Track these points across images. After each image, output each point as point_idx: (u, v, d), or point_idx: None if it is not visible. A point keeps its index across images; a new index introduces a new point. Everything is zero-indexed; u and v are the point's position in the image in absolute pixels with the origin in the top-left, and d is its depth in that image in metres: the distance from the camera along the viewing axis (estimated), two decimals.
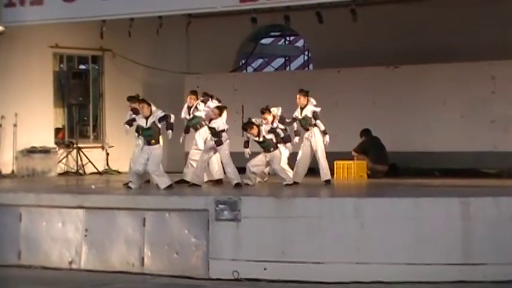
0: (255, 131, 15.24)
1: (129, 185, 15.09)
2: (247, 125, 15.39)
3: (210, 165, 16.00)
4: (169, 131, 14.85)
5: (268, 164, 15.57)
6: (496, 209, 12.04)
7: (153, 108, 14.87)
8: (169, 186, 14.79)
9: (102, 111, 20.95)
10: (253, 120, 15.41)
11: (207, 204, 12.93)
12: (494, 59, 17.48)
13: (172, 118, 14.92)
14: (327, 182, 15.62)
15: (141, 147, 15.21)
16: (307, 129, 15.58)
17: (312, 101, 15.52)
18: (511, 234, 11.91)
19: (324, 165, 15.62)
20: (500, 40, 18.03)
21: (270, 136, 15.30)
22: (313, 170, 16.04)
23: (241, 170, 15.56)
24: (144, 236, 13.30)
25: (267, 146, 15.35)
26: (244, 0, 14.93)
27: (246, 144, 15.40)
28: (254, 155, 15.49)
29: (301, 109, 15.56)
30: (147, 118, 14.81)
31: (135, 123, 15.15)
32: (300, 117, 15.57)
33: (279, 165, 15.43)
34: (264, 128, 15.31)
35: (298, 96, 15.54)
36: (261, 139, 15.31)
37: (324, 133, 15.37)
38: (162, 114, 14.79)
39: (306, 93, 15.49)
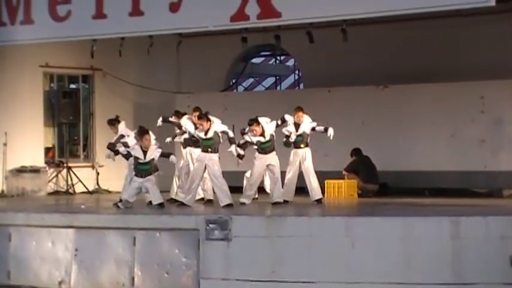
0: (259, 128, 15.27)
1: (119, 204, 15.11)
2: (252, 121, 15.45)
3: (204, 184, 15.99)
4: (233, 146, 15.19)
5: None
6: (486, 228, 12.05)
7: (215, 120, 15.24)
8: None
9: (93, 131, 20.92)
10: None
11: (197, 224, 12.91)
12: (483, 79, 17.57)
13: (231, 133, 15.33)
14: (318, 201, 15.64)
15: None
16: (299, 147, 15.65)
17: (308, 117, 15.66)
18: (501, 253, 11.92)
19: (315, 184, 15.66)
20: (489, 60, 18.12)
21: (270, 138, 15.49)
22: (302, 189, 16.06)
23: (232, 190, 15.59)
24: (134, 255, 13.26)
25: (267, 147, 15.37)
26: (235, 20, 14.97)
27: (243, 145, 15.44)
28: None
29: (298, 126, 15.65)
30: (207, 131, 15.08)
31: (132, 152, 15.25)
32: (296, 133, 15.66)
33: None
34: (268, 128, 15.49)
35: (299, 113, 15.64)
36: (268, 138, 15.37)
37: (326, 129, 15.62)
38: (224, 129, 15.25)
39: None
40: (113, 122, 16.27)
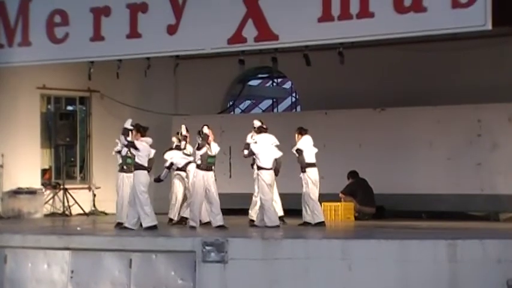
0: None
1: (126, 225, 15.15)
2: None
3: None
4: None
5: None
6: (482, 251, 12.02)
7: None
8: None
9: (90, 152, 20.92)
10: None
11: (194, 246, 12.88)
12: (480, 102, 17.60)
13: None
14: (320, 224, 15.60)
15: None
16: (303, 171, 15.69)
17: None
18: (497, 277, 11.89)
19: (317, 206, 15.64)
20: (486, 83, 18.18)
21: None
22: (299, 211, 16.06)
23: (227, 212, 15.58)
24: (130, 277, 13.22)
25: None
26: (232, 42, 15.03)
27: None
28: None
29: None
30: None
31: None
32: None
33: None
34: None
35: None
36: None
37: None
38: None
39: None
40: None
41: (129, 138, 15.38)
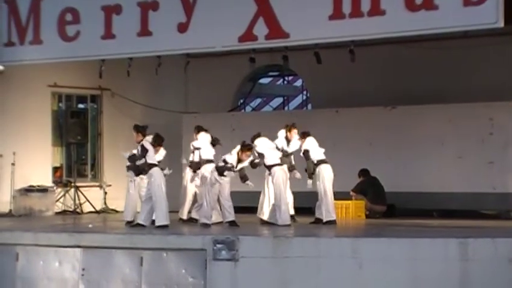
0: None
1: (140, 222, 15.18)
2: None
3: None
4: None
5: None
6: (494, 250, 11.99)
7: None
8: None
9: (100, 150, 20.95)
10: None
11: (204, 244, 12.89)
12: (492, 100, 17.55)
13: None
14: (331, 222, 15.59)
15: None
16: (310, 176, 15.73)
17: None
18: (509, 275, 11.86)
19: (330, 204, 15.63)
20: (499, 81, 18.13)
21: None
22: (310, 209, 16.05)
23: (238, 210, 15.57)
24: (141, 275, 13.23)
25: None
26: (243, 40, 15.02)
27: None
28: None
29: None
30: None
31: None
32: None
33: None
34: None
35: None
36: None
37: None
38: None
39: None
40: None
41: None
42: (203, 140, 16.29)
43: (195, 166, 16.09)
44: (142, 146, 15.20)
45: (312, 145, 15.86)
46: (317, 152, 15.82)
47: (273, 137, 16.16)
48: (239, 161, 15.17)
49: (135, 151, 15.43)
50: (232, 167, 15.15)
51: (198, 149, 16.14)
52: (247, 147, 15.20)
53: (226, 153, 15.45)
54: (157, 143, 15.55)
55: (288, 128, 15.97)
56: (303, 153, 15.79)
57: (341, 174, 16.32)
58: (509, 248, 11.99)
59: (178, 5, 15.48)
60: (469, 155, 17.79)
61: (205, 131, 16.45)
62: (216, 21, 15.16)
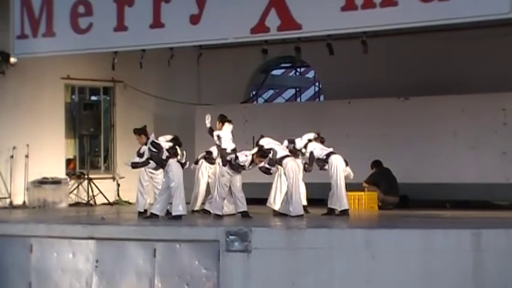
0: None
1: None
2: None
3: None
4: None
5: None
6: (507, 241, 11.98)
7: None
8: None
9: (113, 142, 21.01)
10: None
11: (217, 235, 12.92)
12: (505, 90, 17.49)
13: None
14: (344, 212, 15.60)
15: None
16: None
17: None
18: None
19: (341, 194, 15.64)
20: (511, 72, 18.04)
21: None
22: (322, 200, 16.06)
23: (251, 201, 15.60)
24: (154, 267, 13.28)
25: None
26: (255, 32, 15.02)
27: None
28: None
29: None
30: None
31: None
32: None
33: None
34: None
35: None
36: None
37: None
38: None
39: None
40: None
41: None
42: (227, 131, 16.26)
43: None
44: (154, 144, 15.24)
45: (315, 147, 15.89)
46: (321, 150, 15.85)
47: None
48: (252, 161, 15.24)
49: (137, 159, 15.47)
50: (244, 166, 15.22)
51: (217, 138, 16.13)
52: (262, 155, 15.22)
53: (239, 144, 15.46)
54: (176, 145, 15.64)
55: (317, 138, 15.94)
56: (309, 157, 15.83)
57: (354, 165, 16.30)
58: None
59: None
60: (482, 145, 17.75)
61: (229, 121, 16.44)
62: (228, 13, 15.16)
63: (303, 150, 15.87)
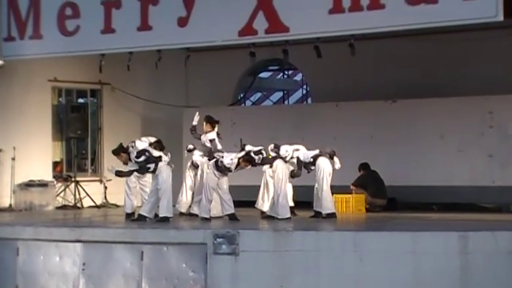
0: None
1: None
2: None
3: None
4: None
5: None
6: (494, 243, 12.01)
7: None
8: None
9: (101, 145, 20.94)
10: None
11: (205, 238, 12.91)
12: (491, 93, 17.55)
13: None
14: (330, 215, 15.60)
15: None
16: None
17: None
18: (509, 268, 11.88)
19: (328, 198, 15.64)
20: (498, 75, 18.11)
21: None
22: (309, 203, 16.07)
23: (239, 204, 15.58)
24: (142, 269, 13.26)
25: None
26: (243, 34, 15.02)
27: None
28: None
29: None
30: None
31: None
32: None
33: None
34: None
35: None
36: None
37: None
38: None
39: None
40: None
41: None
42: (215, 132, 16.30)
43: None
44: (138, 154, 15.26)
45: (302, 152, 15.91)
46: (307, 153, 15.85)
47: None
48: (238, 164, 15.23)
49: (121, 168, 15.51)
50: (230, 169, 15.22)
51: (212, 141, 16.11)
52: (248, 160, 15.21)
53: (226, 147, 15.45)
54: (158, 148, 15.64)
55: (330, 155, 15.93)
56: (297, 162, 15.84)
57: (341, 168, 16.32)
58: (509, 241, 12.00)
59: None
60: (469, 148, 17.79)
61: (217, 122, 16.43)
62: (216, 15, 15.16)
63: (287, 158, 15.82)
